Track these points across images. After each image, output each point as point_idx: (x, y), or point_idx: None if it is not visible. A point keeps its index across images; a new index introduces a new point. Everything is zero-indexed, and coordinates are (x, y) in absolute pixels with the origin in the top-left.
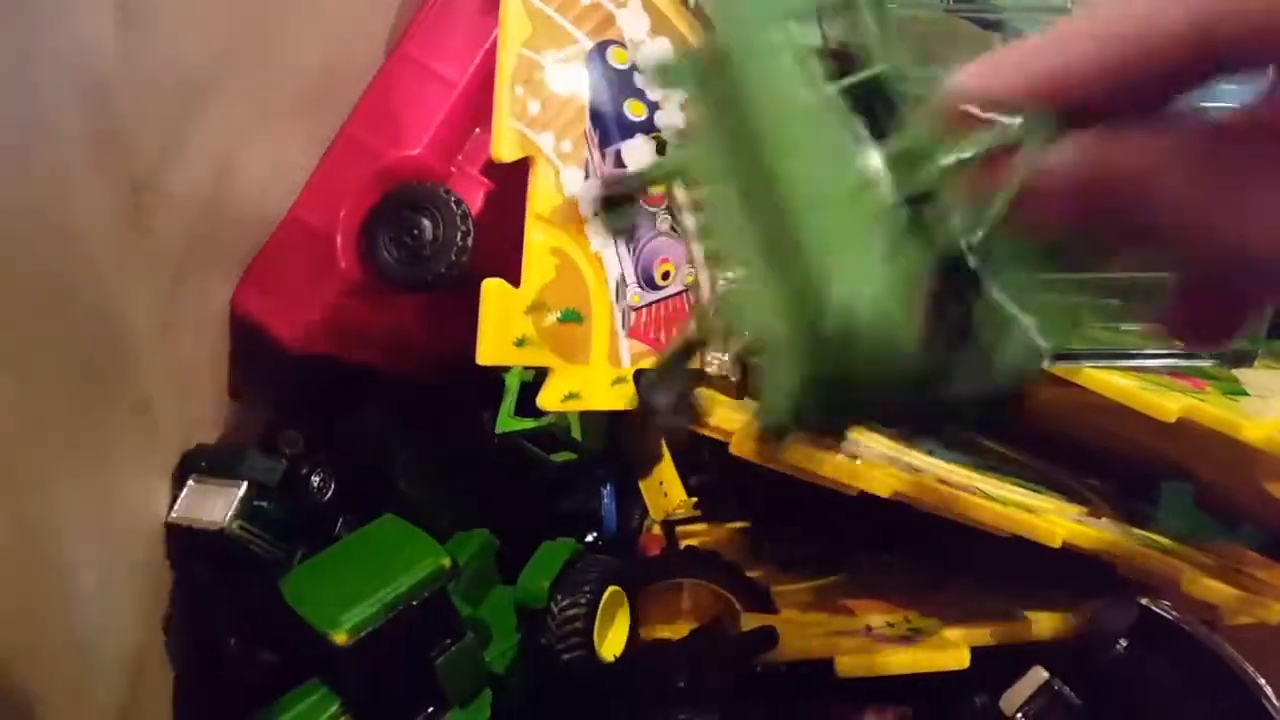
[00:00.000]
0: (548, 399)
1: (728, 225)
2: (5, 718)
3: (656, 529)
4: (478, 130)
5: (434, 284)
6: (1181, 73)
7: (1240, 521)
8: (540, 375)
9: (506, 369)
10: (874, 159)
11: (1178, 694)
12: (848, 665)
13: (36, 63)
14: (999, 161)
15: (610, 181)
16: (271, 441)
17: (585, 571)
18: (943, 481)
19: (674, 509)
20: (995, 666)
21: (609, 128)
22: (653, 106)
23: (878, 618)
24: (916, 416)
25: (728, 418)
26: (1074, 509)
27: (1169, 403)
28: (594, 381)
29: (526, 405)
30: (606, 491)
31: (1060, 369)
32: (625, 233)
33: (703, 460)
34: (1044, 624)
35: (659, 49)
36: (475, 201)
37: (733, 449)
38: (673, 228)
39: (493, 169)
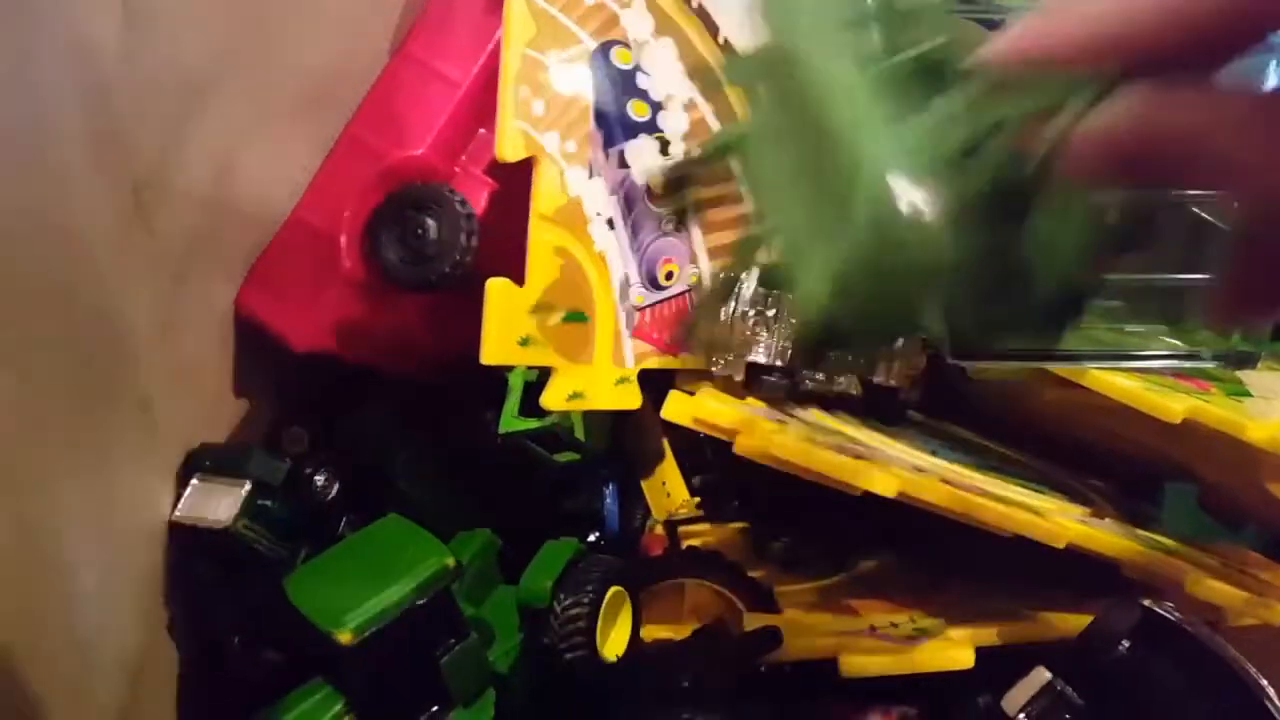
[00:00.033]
0: (552, 398)
1: (778, 184)
2: (6, 717)
3: (659, 529)
4: (481, 131)
5: (438, 284)
6: (1238, 33)
7: (1243, 523)
8: (543, 375)
9: (509, 369)
10: (932, 112)
11: (1180, 695)
12: (852, 665)
13: (37, 62)
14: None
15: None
16: (275, 440)
17: (588, 571)
18: (947, 481)
19: (677, 509)
20: (997, 667)
21: (613, 128)
22: (656, 107)
23: (881, 618)
24: (953, 322)
25: (732, 417)
26: (1077, 509)
27: (1174, 404)
28: (598, 381)
29: (530, 405)
30: (609, 491)
31: (1064, 370)
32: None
33: (705, 460)
34: (1048, 624)
35: (662, 50)
36: (479, 202)
37: (736, 448)
38: (676, 228)
39: (496, 169)
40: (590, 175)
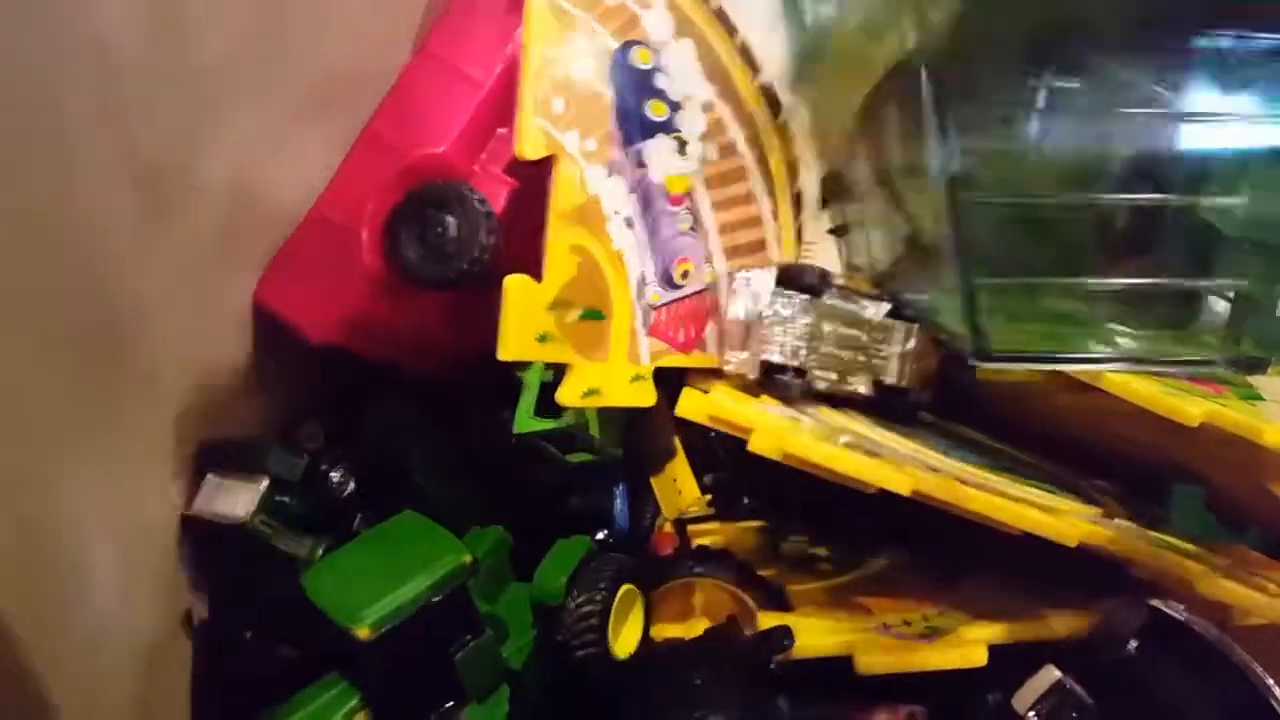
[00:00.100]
0: (567, 394)
1: None
2: (21, 714)
3: (668, 527)
4: (501, 130)
5: (457, 282)
6: None
7: (1248, 525)
8: (558, 376)
9: (524, 367)
10: None
11: (1188, 694)
12: (867, 663)
13: (62, 59)
14: None
15: None
16: (290, 436)
17: (600, 569)
18: (959, 480)
19: (687, 507)
20: (1006, 665)
21: (631, 127)
22: (674, 107)
23: (894, 616)
24: None
25: (746, 414)
26: (1088, 510)
27: (1191, 407)
28: (613, 378)
29: (545, 405)
30: (619, 491)
31: (1080, 372)
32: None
33: (716, 458)
34: (1059, 623)
35: (681, 51)
36: (498, 200)
37: (751, 446)
38: (691, 227)
39: (515, 168)
40: (609, 174)
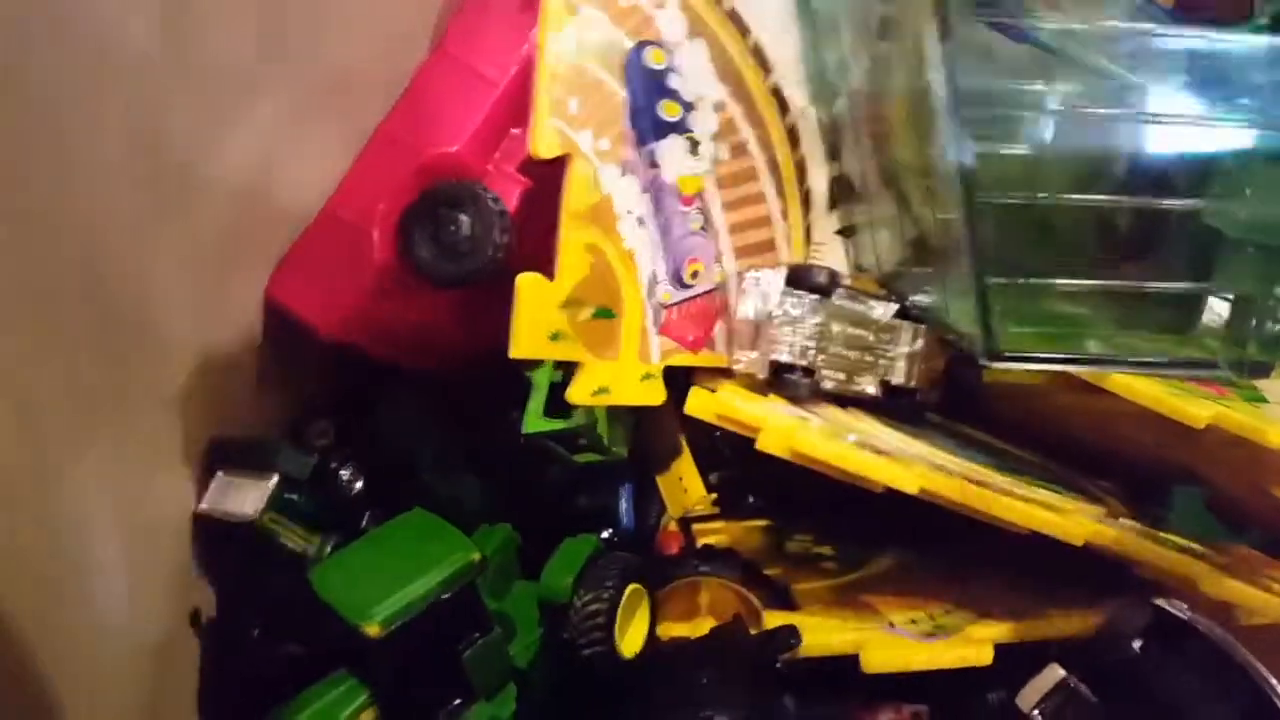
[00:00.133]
0: (578, 392)
1: None
2: (30, 710)
3: (672, 526)
4: (515, 130)
5: (470, 280)
6: None
7: (1248, 526)
8: (567, 376)
9: (533, 367)
10: None
11: (1192, 693)
12: (873, 662)
13: (73, 57)
14: None
15: None
16: (298, 433)
17: (607, 568)
18: (966, 479)
19: (693, 505)
20: (1011, 664)
21: (644, 127)
22: (687, 107)
23: (900, 615)
24: None
25: (755, 413)
26: (1094, 509)
27: (1198, 409)
28: (623, 377)
29: (554, 406)
30: (624, 490)
31: (1087, 373)
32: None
33: (722, 457)
34: (1064, 622)
35: (695, 51)
36: (510, 200)
37: (760, 444)
38: (702, 227)
39: (528, 168)
40: (622, 173)
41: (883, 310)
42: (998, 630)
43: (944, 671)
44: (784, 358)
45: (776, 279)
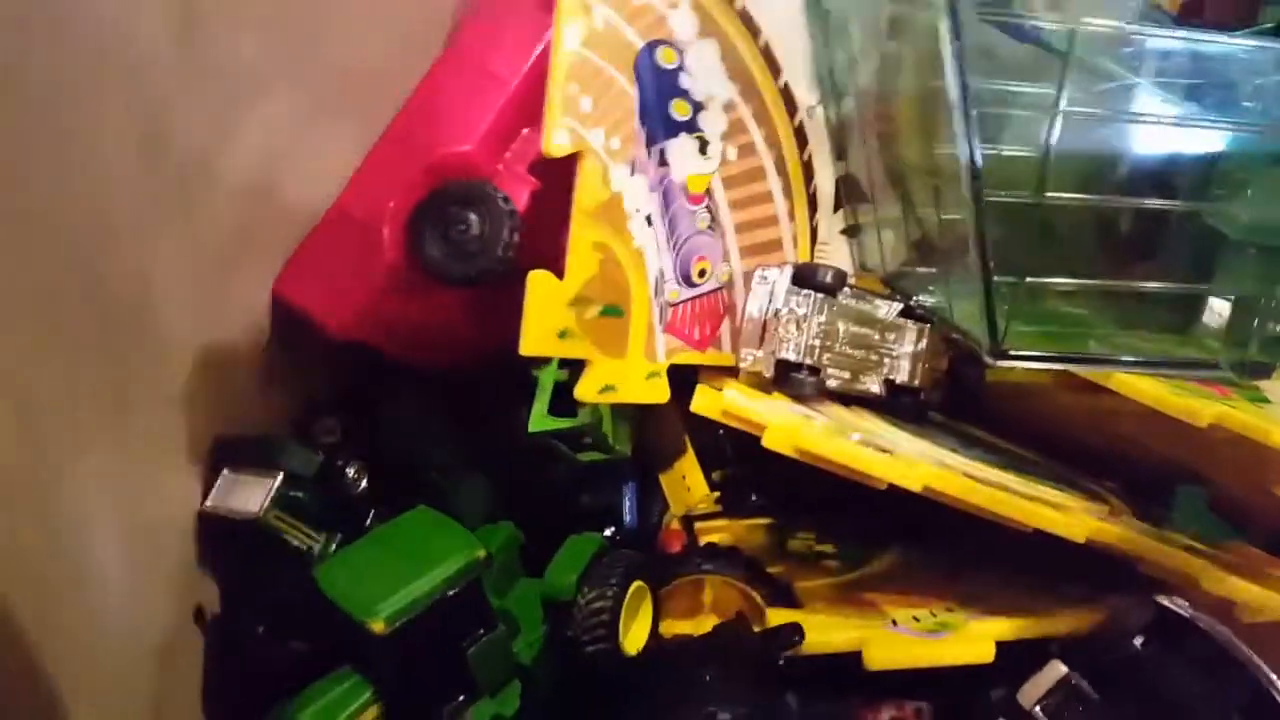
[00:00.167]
0: (585, 390)
1: None
2: (35, 708)
3: (675, 524)
4: (526, 130)
5: (479, 279)
6: None
7: (1250, 525)
8: (573, 376)
9: (540, 366)
10: None
11: (1193, 690)
12: (876, 659)
13: (81, 56)
14: None
15: None
16: (303, 431)
17: (611, 566)
18: (970, 476)
19: (696, 504)
20: (1012, 661)
21: (654, 126)
22: (697, 107)
23: (903, 612)
24: None
25: (760, 411)
26: (1096, 507)
27: (1202, 408)
28: (630, 375)
29: (559, 404)
30: (628, 489)
31: (1091, 373)
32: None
33: (724, 455)
34: (1066, 619)
35: (706, 51)
36: (520, 200)
37: (766, 441)
38: (710, 226)
39: (537, 168)
40: (632, 172)
41: (887, 309)
42: (999, 627)
43: (946, 668)
44: (790, 356)
45: (783, 278)
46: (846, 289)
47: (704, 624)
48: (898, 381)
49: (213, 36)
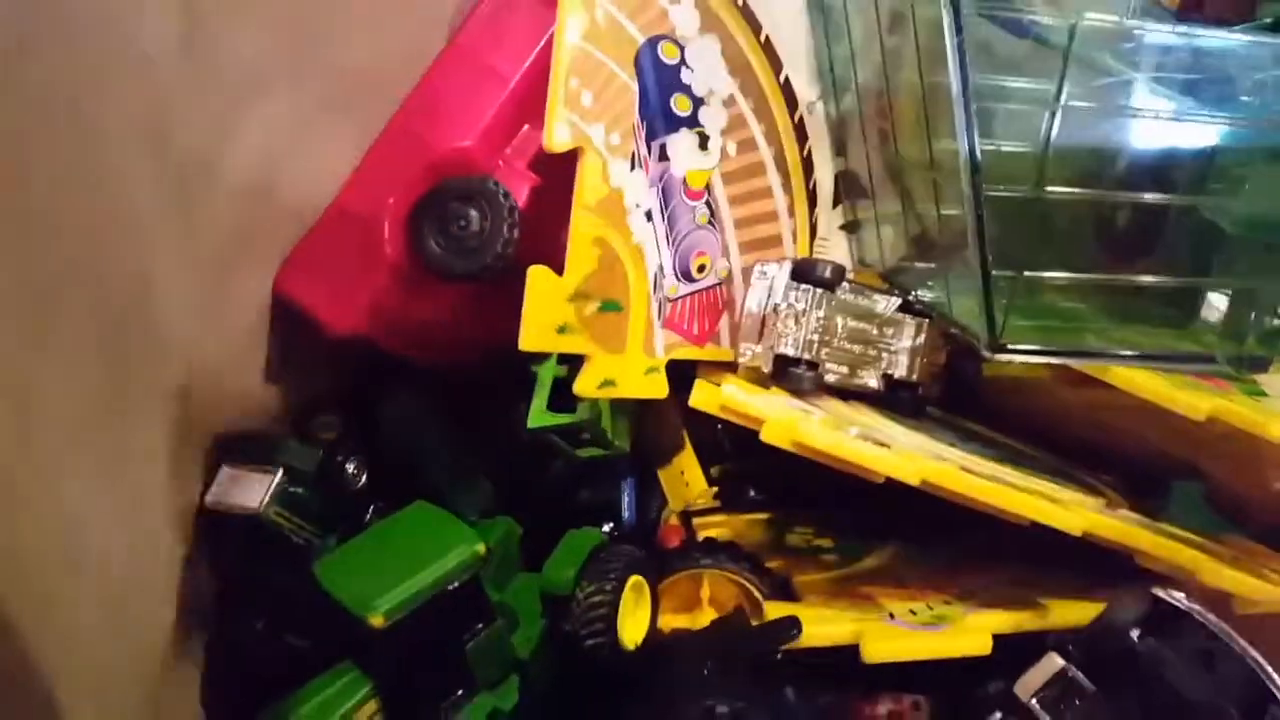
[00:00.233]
0: (584, 385)
1: None
2: (32, 701)
3: (673, 519)
4: (526, 126)
5: (479, 275)
6: None
7: (1246, 518)
8: (572, 371)
9: (539, 361)
10: None
11: (1190, 682)
12: (873, 652)
13: (90, 55)
14: None
15: None
16: (303, 427)
17: (610, 560)
18: (967, 470)
19: (694, 499)
20: (1009, 654)
21: (655, 121)
22: (698, 102)
23: (900, 605)
24: None
25: (758, 406)
26: (1093, 501)
27: (1199, 402)
28: (628, 370)
29: (558, 400)
30: (626, 484)
31: (1089, 367)
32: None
33: (723, 450)
34: (1063, 612)
35: (707, 46)
36: (520, 196)
37: (764, 436)
38: (709, 221)
39: (537, 164)
40: (632, 168)
41: (886, 304)
42: (996, 620)
43: (943, 661)
44: (788, 351)
45: (782, 273)
46: (845, 284)
47: (702, 618)
48: (896, 376)
49: (214, 36)
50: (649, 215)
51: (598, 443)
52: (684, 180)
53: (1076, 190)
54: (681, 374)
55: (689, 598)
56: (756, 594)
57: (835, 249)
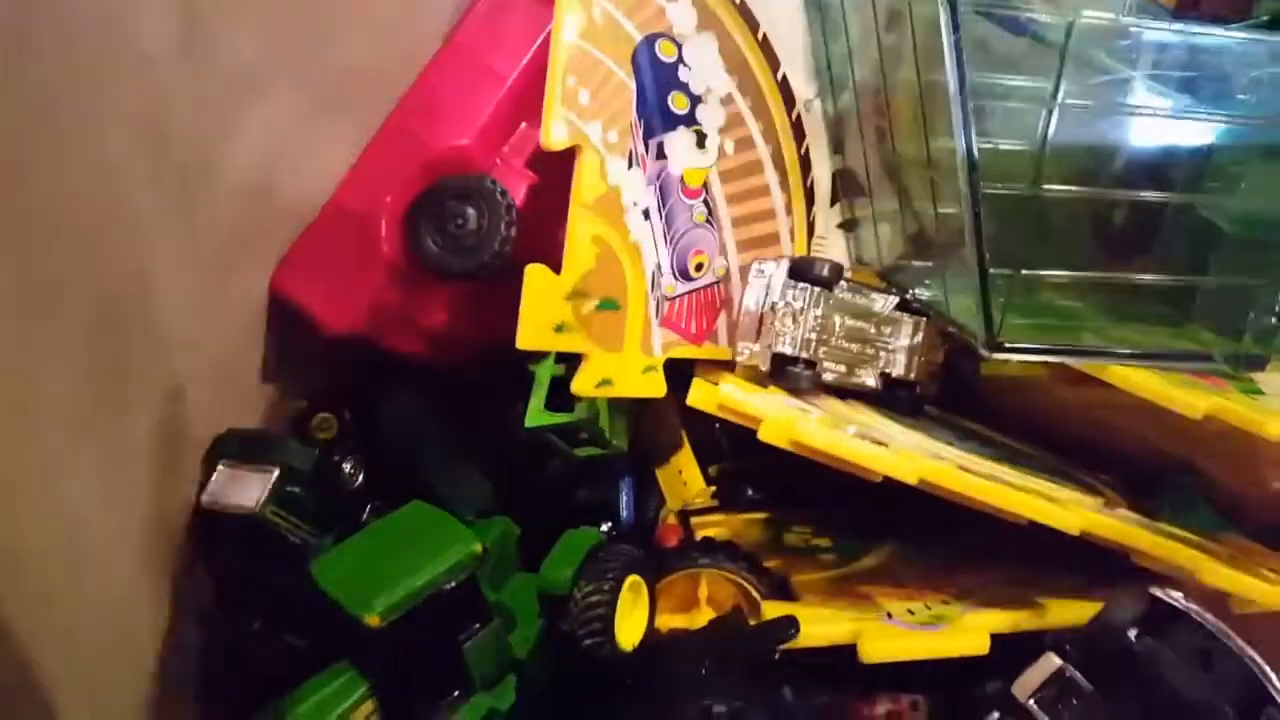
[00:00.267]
0: (582, 384)
1: None
2: (28, 704)
3: (671, 519)
4: (524, 125)
5: (477, 273)
6: None
7: (1243, 517)
8: (569, 371)
9: (536, 361)
10: None
11: (1187, 682)
12: (871, 651)
13: (90, 54)
14: None
15: None
16: (301, 427)
17: (607, 560)
18: (965, 469)
19: (692, 498)
20: (1007, 654)
21: (652, 119)
22: (695, 100)
23: (898, 605)
24: None
25: (756, 404)
26: (1090, 500)
27: (1197, 400)
28: (626, 369)
29: (555, 400)
30: (624, 484)
31: (1087, 365)
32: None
33: (721, 450)
34: (1061, 612)
35: (704, 44)
36: (517, 194)
37: (761, 435)
38: (707, 219)
39: (535, 162)
40: (630, 166)
41: (884, 303)
42: (994, 620)
43: (941, 661)
44: (786, 350)
45: (779, 271)
46: (843, 282)
47: (700, 618)
48: (894, 375)
49: (213, 36)
50: (646, 213)
51: (595, 442)
52: (681, 178)
53: (1074, 188)
54: (679, 373)
55: (687, 597)
56: (754, 594)
57: (833, 247)
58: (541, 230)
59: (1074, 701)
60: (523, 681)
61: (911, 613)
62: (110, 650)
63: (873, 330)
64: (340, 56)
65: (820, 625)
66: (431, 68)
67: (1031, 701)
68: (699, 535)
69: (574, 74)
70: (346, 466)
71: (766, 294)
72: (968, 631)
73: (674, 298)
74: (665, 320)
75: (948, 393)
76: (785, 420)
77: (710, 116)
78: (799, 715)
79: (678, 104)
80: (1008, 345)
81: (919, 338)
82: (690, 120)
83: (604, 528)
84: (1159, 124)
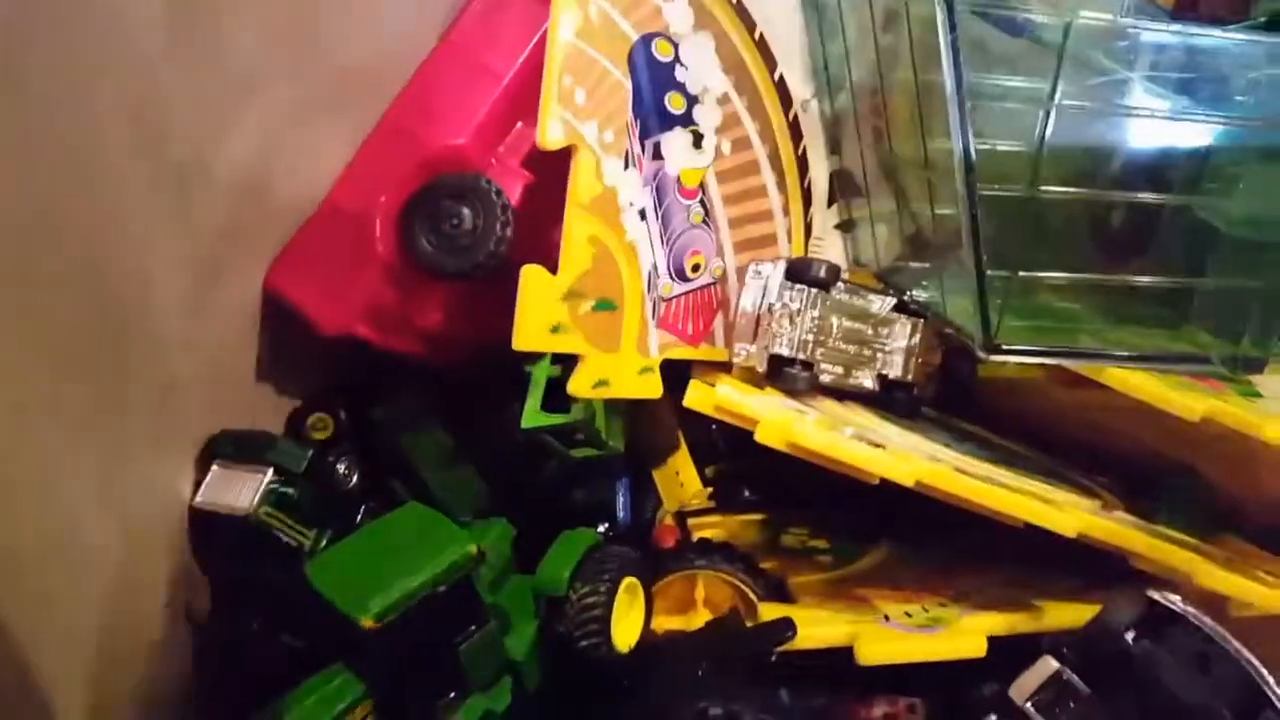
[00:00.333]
0: (578, 385)
1: None
2: (26, 704)
3: (668, 520)
4: (520, 124)
5: (472, 273)
6: None
7: (1241, 519)
8: (565, 371)
9: (533, 361)
10: None
11: (1184, 684)
12: (868, 654)
13: (86, 49)
14: None
15: None
16: (296, 428)
17: (604, 561)
18: (962, 471)
19: (689, 499)
20: (1004, 656)
21: (649, 119)
22: (692, 100)
23: (895, 607)
24: None
25: (753, 406)
26: (1087, 502)
27: (1194, 402)
28: (622, 370)
29: (551, 400)
30: (621, 485)
31: (1084, 367)
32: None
33: (718, 451)
34: (1058, 614)
35: (701, 44)
36: (512, 194)
37: (758, 436)
38: (704, 220)
39: (530, 162)
40: (626, 166)
41: (881, 304)
42: (991, 622)
43: (938, 664)
44: (783, 351)
45: (776, 272)
46: (840, 284)
47: (697, 619)
48: (891, 377)
49: (210, 33)
50: (643, 214)
51: (592, 443)
52: (678, 179)
53: (1071, 190)
54: (676, 374)
55: (683, 599)
56: (751, 595)
57: (830, 248)
58: (537, 230)
59: (1071, 704)
60: (519, 683)
61: (908, 615)
62: (109, 650)
63: (870, 332)
64: (337, 56)
65: (817, 627)
66: (427, 66)
67: (1028, 704)
68: (696, 536)
69: (570, 73)
70: (341, 467)
71: (763, 295)
72: (965, 634)
73: (671, 298)
74: (662, 321)
75: (945, 394)
76: (782, 422)
77: (707, 116)
78: (796, 717)
79: (674, 104)
80: (1005, 347)
81: (916, 339)
82: (687, 120)
83: (600, 529)
84: (1157, 125)
